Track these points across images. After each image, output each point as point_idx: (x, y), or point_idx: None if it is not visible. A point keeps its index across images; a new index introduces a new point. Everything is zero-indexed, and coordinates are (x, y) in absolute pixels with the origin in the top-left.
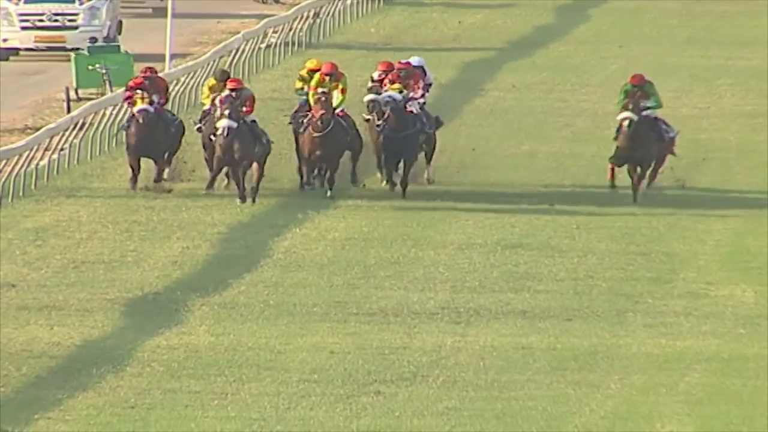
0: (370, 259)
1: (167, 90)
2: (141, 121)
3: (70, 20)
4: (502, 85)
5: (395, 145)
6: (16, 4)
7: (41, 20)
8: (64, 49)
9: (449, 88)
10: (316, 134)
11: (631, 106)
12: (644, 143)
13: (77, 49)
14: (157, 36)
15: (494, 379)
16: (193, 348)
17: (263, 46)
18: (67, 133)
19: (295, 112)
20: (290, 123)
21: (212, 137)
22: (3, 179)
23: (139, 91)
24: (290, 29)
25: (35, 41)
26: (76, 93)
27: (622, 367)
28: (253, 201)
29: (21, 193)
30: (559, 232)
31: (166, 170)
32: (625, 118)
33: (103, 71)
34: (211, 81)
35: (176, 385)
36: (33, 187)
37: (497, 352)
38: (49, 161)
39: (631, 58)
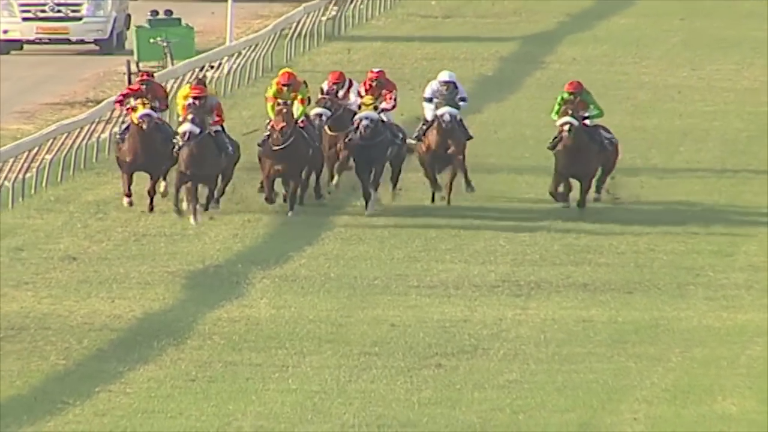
0: (430, 231)
1: (167, 97)
2: (144, 127)
3: (73, 11)
4: (562, 58)
5: (365, 154)
6: None
7: (43, 11)
8: (67, 41)
9: (510, 61)
10: (276, 147)
11: (570, 112)
12: (585, 155)
13: (81, 41)
14: (215, 9)
15: (555, 352)
16: (253, 321)
17: (324, 18)
18: None
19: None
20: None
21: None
22: (64, 152)
23: (133, 99)
24: (351, 2)
25: (37, 33)
26: (137, 66)
27: (683, 340)
28: (206, 209)
29: (82, 166)
30: (620, 205)
31: (163, 184)
32: (565, 123)
33: (165, 44)
34: (185, 90)
35: (237, 358)
36: (94, 160)
37: (558, 325)
38: (111, 134)
39: (692, 31)
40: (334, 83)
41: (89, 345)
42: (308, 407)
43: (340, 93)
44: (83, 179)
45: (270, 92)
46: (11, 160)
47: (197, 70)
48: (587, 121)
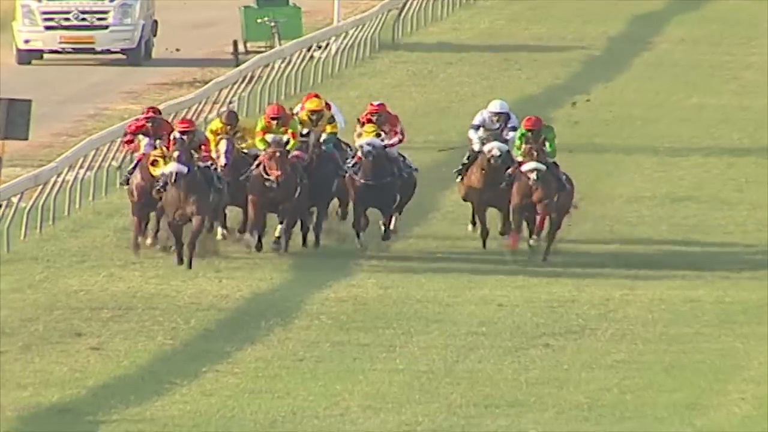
0: None
1: (171, 132)
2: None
3: (99, 19)
4: (670, 37)
5: (370, 195)
6: (39, 0)
7: (67, 19)
8: (92, 51)
9: (617, 41)
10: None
11: (536, 153)
12: (545, 193)
13: (107, 51)
14: None
15: (662, 332)
16: (361, 301)
17: None
18: (236, 86)
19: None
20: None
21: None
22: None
23: (141, 135)
24: None
25: (60, 42)
26: (245, 46)
27: None
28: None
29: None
30: (729, 185)
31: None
32: (533, 170)
33: (272, 24)
34: (216, 124)
35: (345, 338)
36: None
37: (665, 305)
38: (218, 114)
39: None
40: (272, 117)
41: (196, 325)
42: (415, 387)
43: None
44: None
45: (258, 126)
46: (118, 140)
47: (303, 50)
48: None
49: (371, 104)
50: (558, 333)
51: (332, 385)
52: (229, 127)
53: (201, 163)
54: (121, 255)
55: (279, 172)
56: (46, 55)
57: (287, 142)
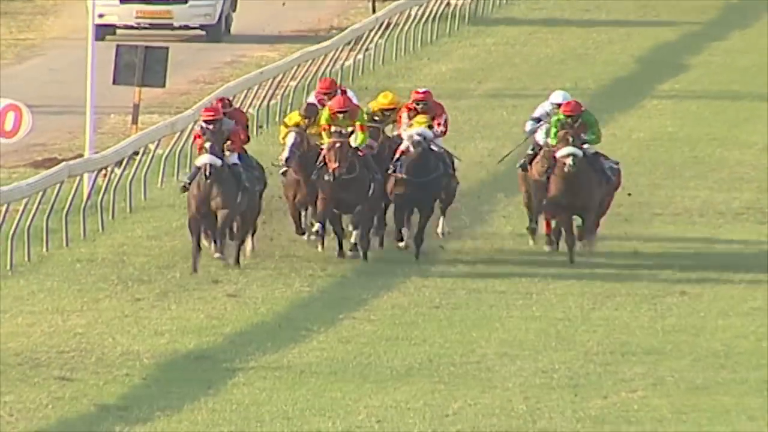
0: (675, 159)
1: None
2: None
3: None
4: None
5: (412, 193)
6: None
7: None
8: (170, 27)
9: None
10: (331, 181)
11: (571, 139)
12: (586, 187)
13: (186, 27)
14: None
15: None
16: (497, 248)
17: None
18: (372, 34)
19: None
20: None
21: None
22: (309, 79)
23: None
24: None
25: (137, 17)
26: None
27: None
28: (237, 262)
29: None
30: None
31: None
32: (568, 155)
33: None
34: (294, 117)
35: (481, 285)
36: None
37: None
38: (354, 61)
39: None
40: (324, 93)
41: (333, 272)
42: (552, 334)
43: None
44: None
45: (323, 119)
46: (255, 87)
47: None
48: (586, 147)
49: (416, 91)
50: (694, 280)
51: (468, 333)
52: (307, 121)
53: (230, 157)
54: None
55: (336, 164)
56: (119, 31)
57: (351, 133)
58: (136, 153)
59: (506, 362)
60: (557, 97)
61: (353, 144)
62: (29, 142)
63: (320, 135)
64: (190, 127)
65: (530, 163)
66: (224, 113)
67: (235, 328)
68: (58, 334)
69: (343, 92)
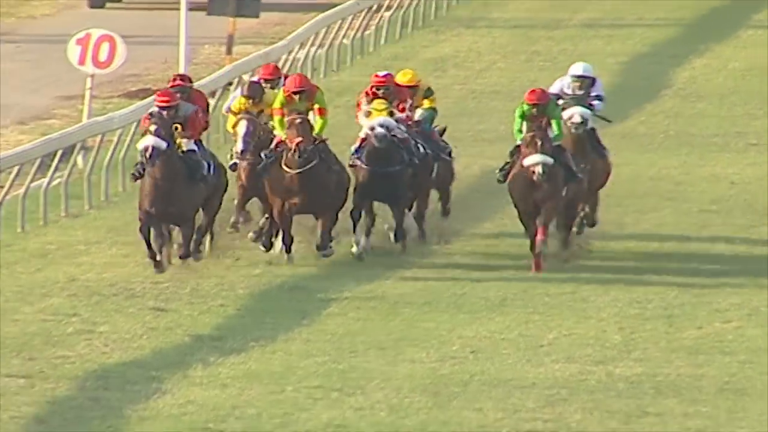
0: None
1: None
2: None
3: None
4: None
5: (375, 184)
6: None
7: None
8: None
9: None
10: (292, 171)
11: (540, 143)
12: (550, 185)
13: None
14: None
15: None
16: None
17: None
18: None
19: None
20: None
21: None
22: (404, 9)
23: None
24: None
25: None
26: None
27: None
28: (183, 257)
29: (421, 24)
30: None
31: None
32: (537, 164)
33: None
34: (239, 101)
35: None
36: (432, 17)
37: None
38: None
39: None
40: (265, 80)
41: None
42: (646, 265)
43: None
44: (421, 37)
45: (277, 102)
46: (350, 18)
47: None
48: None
49: (376, 75)
50: None
51: (560, 264)
52: (251, 102)
53: (186, 146)
54: (350, 131)
55: (300, 138)
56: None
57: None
58: (230, 83)
59: (600, 293)
60: (577, 68)
61: (315, 131)
62: (123, 72)
63: (270, 118)
64: (284, 57)
65: None
66: (181, 94)
67: (329, 259)
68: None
69: (388, 75)
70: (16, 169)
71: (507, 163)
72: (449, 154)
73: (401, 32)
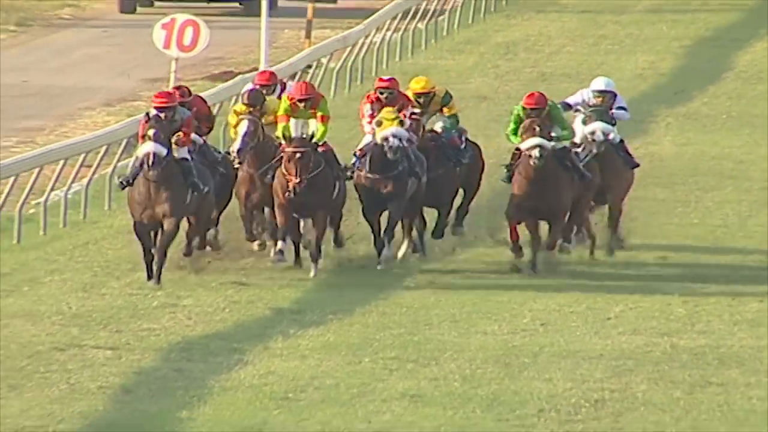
0: None
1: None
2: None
3: None
4: None
5: (376, 191)
6: None
7: None
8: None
9: None
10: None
11: (538, 128)
12: (554, 188)
13: (223, 0)
14: None
15: None
16: (658, 157)
17: None
18: None
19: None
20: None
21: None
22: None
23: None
24: None
25: None
26: None
27: None
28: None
29: (492, 9)
30: None
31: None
32: (534, 146)
33: None
34: (239, 106)
35: (642, 194)
36: (504, 2)
37: None
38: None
39: None
40: (261, 85)
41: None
42: (709, 241)
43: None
44: (493, 21)
45: (281, 109)
46: (424, 3)
47: None
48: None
49: (380, 79)
50: None
51: (629, 240)
52: (252, 110)
53: (179, 151)
54: None
55: (297, 180)
56: (156, 3)
57: (312, 137)
58: (309, 66)
59: (665, 268)
60: (599, 83)
61: (315, 138)
62: (207, 56)
63: (274, 125)
64: (360, 41)
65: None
66: (182, 103)
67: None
68: (236, 240)
69: (391, 80)
70: (103, 149)
71: (510, 163)
72: (471, 158)
73: (474, 17)
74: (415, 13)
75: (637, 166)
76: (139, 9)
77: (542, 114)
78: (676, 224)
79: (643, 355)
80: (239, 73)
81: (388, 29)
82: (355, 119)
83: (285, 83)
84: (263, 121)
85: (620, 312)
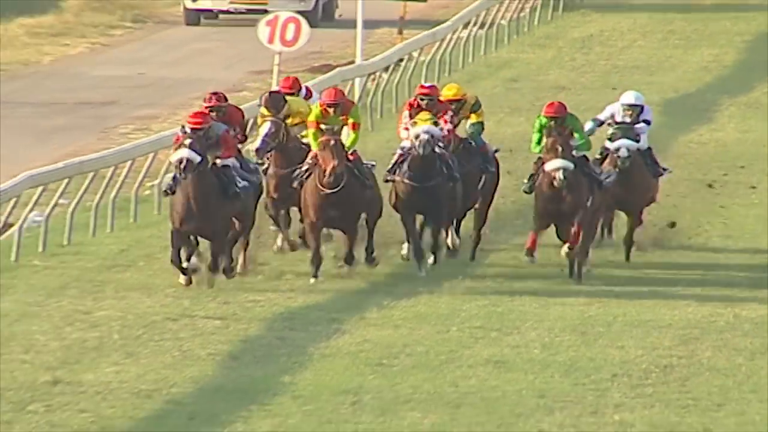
0: None
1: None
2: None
3: None
4: None
5: (416, 199)
6: None
7: None
8: (265, 12)
9: None
10: (325, 191)
11: (561, 149)
12: (575, 195)
13: None
14: None
15: None
16: (721, 143)
17: None
18: None
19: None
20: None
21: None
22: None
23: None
24: None
25: (231, 2)
26: None
27: None
28: (213, 272)
29: (570, 7)
30: None
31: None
32: (558, 169)
33: None
34: (316, 111)
35: (706, 177)
36: (580, 0)
37: None
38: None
39: None
40: (286, 92)
41: None
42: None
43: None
44: (570, 18)
45: (312, 115)
46: (507, 1)
47: None
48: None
49: (422, 85)
50: None
51: (694, 219)
52: (273, 112)
53: (219, 163)
54: (509, 103)
55: (336, 161)
56: (221, 15)
57: (340, 130)
58: (401, 60)
59: (729, 244)
60: (629, 97)
61: (346, 145)
62: (307, 50)
63: (301, 126)
64: (449, 36)
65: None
66: (217, 112)
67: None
68: None
69: (432, 87)
70: None
71: (532, 174)
72: (496, 165)
73: (552, 14)
74: (498, 10)
75: (662, 174)
76: (203, 21)
77: (562, 123)
78: (738, 204)
79: (708, 324)
80: (337, 66)
81: (474, 25)
82: None
83: (309, 89)
84: (288, 122)
85: (687, 285)
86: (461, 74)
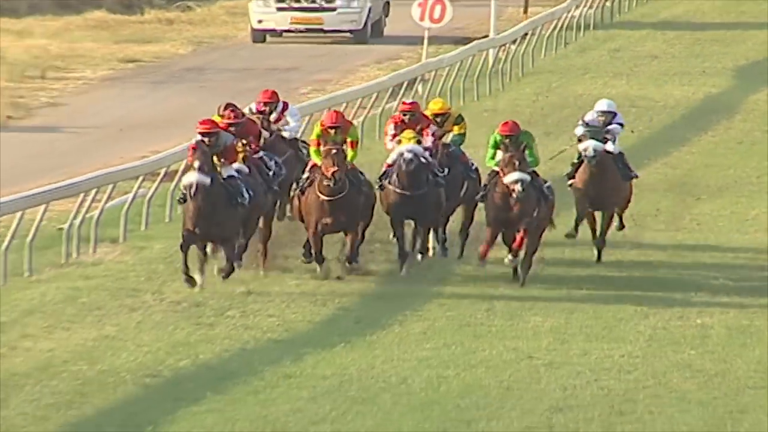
0: None
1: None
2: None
3: (327, 1)
4: None
5: (406, 206)
6: None
7: (298, 1)
8: (321, 30)
9: None
10: (325, 198)
11: (518, 163)
12: (523, 204)
13: (335, 31)
14: None
15: None
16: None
17: None
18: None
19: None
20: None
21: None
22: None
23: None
24: None
25: (291, 23)
26: None
27: None
28: (226, 275)
29: None
30: None
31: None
32: (516, 181)
33: None
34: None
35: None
36: None
37: None
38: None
39: None
40: (264, 103)
41: None
42: None
43: (273, 116)
44: (661, 2)
45: (313, 134)
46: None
47: None
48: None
49: (404, 102)
50: None
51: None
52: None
53: (226, 170)
54: (611, 69)
55: (336, 168)
56: (285, 34)
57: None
58: (526, 34)
59: (746, 230)
60: (602, 105)
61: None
62: (450, 26)
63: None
64: (564, 15)
65: (576, 171)
66: (233, 125)
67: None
68: None
69: (413, 104)
70: (374, 95)
71: (485, 185)
72: (476, 172)
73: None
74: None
75: (634, 178)
76: (268, 39)
77: (518, 142)
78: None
79: None
80: (474, 39)
81: (584, 6)
82: (560, 73)
83: (286, 103)
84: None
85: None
86: (574, 46)
